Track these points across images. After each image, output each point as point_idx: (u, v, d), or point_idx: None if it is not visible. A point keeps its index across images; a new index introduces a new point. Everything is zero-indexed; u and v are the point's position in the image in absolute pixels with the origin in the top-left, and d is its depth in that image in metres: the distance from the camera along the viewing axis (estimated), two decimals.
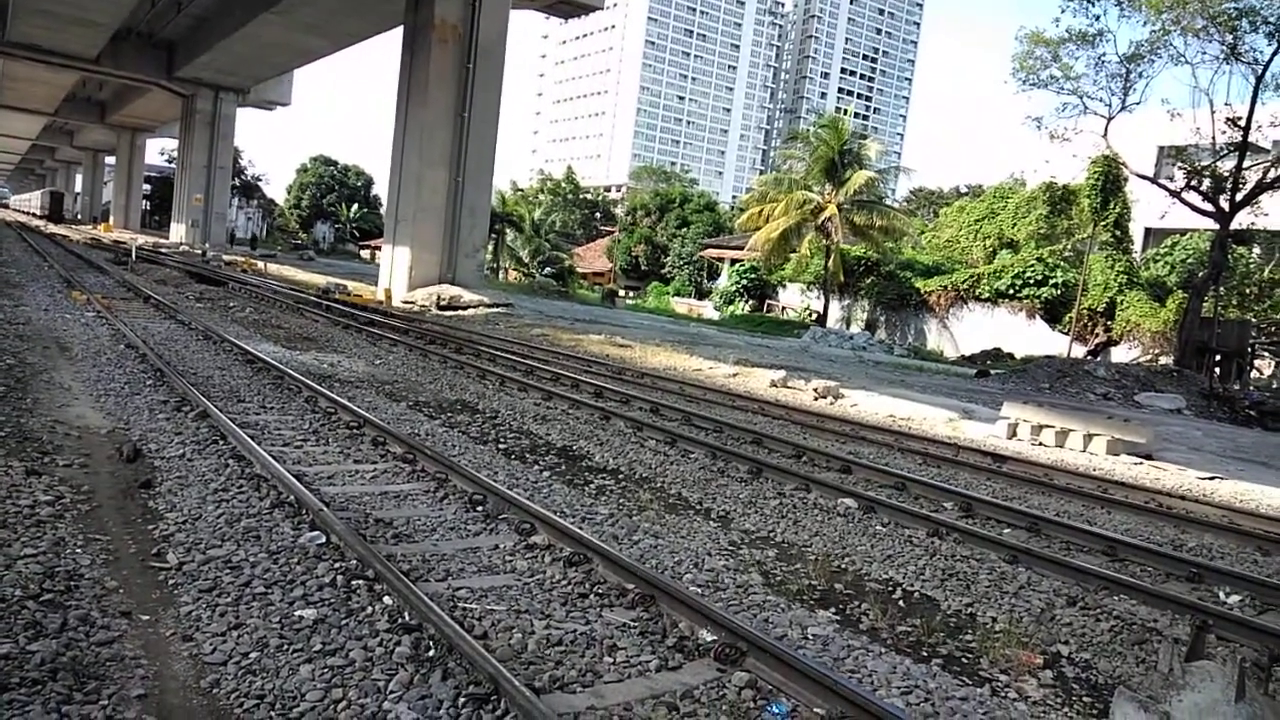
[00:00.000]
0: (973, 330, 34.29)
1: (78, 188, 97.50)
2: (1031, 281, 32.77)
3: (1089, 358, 26.85)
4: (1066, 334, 29.97)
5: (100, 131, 69.93)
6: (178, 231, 51.70)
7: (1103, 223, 30.46)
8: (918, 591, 5.45)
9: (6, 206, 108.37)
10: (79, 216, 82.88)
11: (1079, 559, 6.26)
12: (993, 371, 24.28)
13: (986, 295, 34.02)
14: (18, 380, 8.43)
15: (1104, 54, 24.05)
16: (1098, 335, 30.23)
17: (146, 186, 76.32)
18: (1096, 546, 6.67)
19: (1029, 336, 31.89)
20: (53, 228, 58.57)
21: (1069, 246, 34.89)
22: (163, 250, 38.55)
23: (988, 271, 34.96)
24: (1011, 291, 33.19)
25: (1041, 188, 37.19)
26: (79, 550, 4.48)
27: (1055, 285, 32.20)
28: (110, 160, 79.57)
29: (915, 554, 6.13)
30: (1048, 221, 36.62)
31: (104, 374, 9.42)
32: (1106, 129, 24.34)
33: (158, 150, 78.32)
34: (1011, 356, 29.65)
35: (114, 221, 66.18)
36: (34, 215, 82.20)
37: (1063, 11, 23.58)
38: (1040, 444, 12.02)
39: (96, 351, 10.79)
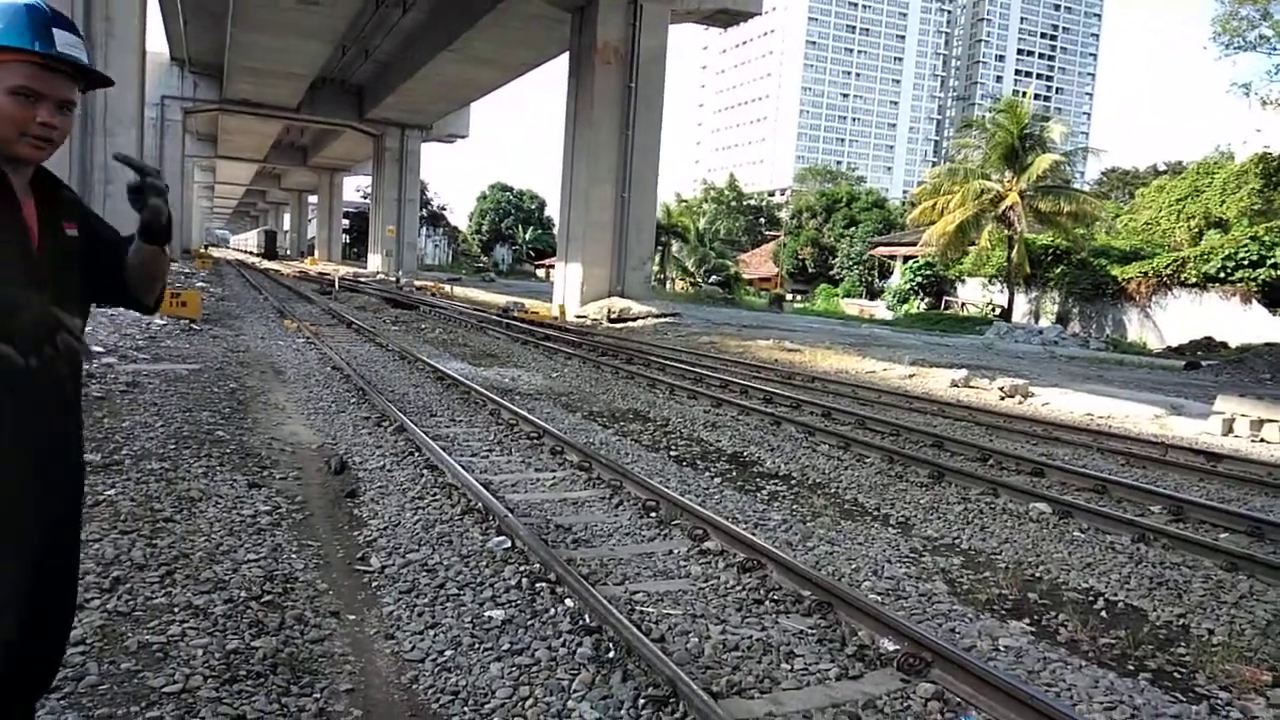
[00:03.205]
0: (1179, 319, 31.45)
1: (286, 226, 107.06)
2: (1246, 263, 29.67)
3: None
4: None
5: (303, 173, 76.72)
6: (374, 261, 55.77)
7: None
8: (1122, 601, 5.06)
9: (227, 246, 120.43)
10: (288, 252, 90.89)
11: None
12: (1204, 363, 22.21)
13: (1194, 280, 31.11)
14: (239, 402, 9.35)
15: None
16: None
17: (345, 221, 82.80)
18: None
19: (1245, 323, 28.87)
20: (266, 263, 64.53)
21: None
22: (361, 279, 41.65)
23: (1194, 254, 31.98)
24: (1223, 275, 30.19)
25: (1253, 160, 33.72)
26: (294, 555, 4.91)
27: (1275, 266, 29.02)
28: (313, 199, 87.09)
29: (1118, 561, 5.70)
30: (1262, 196, 33.11)
31: (313, 394, 10.27)
32: None
33: (354, 188, 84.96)
34: (1225, 346, 26.98)
35: (318, 255, 72.25)
36: (251, 253, 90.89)
37: None
38: (1262, 440, 10.89)
39: (306, 374, 11.78)
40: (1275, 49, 22.28)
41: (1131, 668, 4.18)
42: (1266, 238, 30.13)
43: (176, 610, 3.98)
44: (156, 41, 41.51)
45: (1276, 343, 23.26)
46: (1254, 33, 22.35)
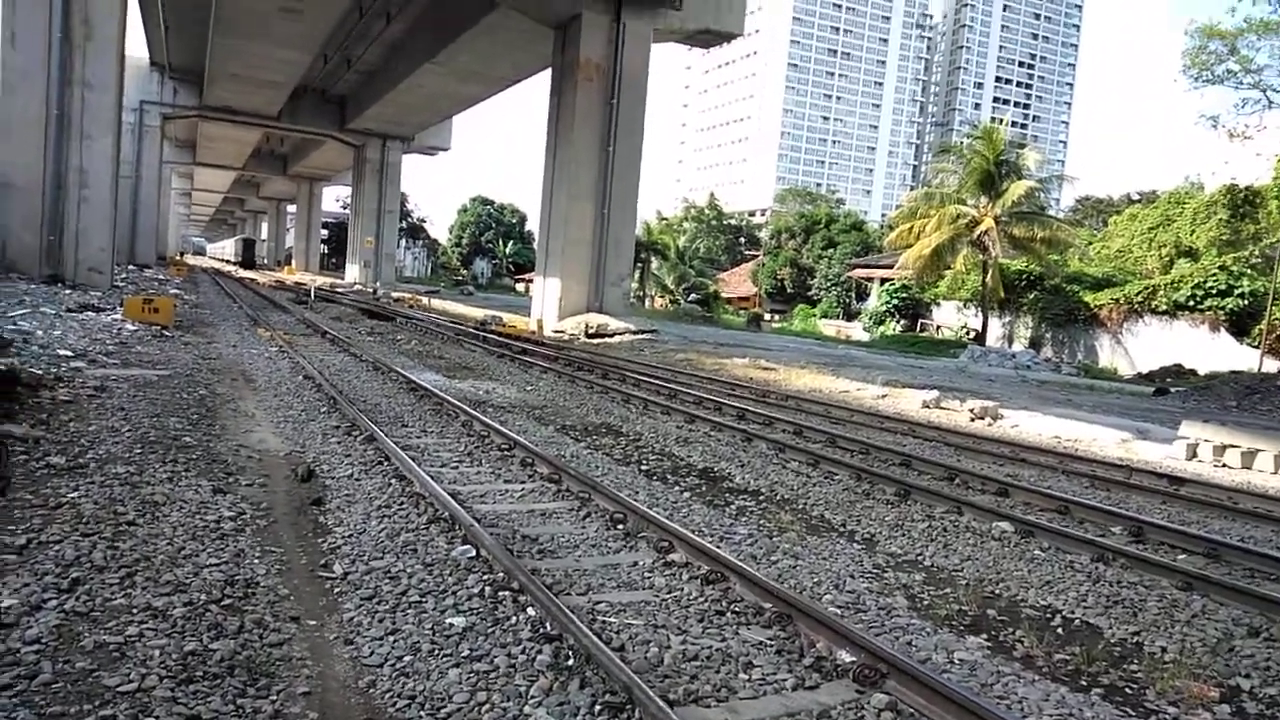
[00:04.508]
0: (1149, 346, 31.93)
1: (263, 235, 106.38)
2: (1214, 292, 30.24)
3: None
4: (1256, 347, 27.45)
5: (282, 182, 76.32)
6: (352, 272, 55.54)
7: None
8: (1078, 619, 5.14)
9: (204, 254, 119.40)
10: (265, 261, 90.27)
11: (1265, 587, 5.73)
12: (1172, 389, 22.53)
13: (1164, 308, 31.64)
14: (208, 409, 9.29)
15: None
16: None
17: (324, 231, 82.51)
18: None
19: (1213, 351, 29.37)
20: (243, 272, 64.04)
21: (1256, 253, 32.01)
22: (338, 290, 41.48)
23: (1164, 282, 32.53)
24: (1192, 303, 30.73)
25: (1222, 190, 34.39)
26: (256, 561, 4.89)
27: (1241, 295, 29.58)
28: (291, 208, 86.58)
29: (1077, 580, 5.79)
30: (1230, 226, 33.76)
31: (284, 402, 10.22)
32: None
33: (333, 198, 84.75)
34: (1194, 373, 27.40)
35: (295, 265, 71.85)
36: (228, 262, 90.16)
37: (1239, 0, 21.93)
38: (1224, 465, 11.08)
39: (277, 382, 11.72)
40: (1242, 83, 22.79)
41: (1084, 683, 4.26)
42: (1234, 267, 30.72)
43: (135, 611, 3.97)
44: (136, 46, 41.31)
45: (1242, 370, 23.67)
46: (1221, 67, 22.90)
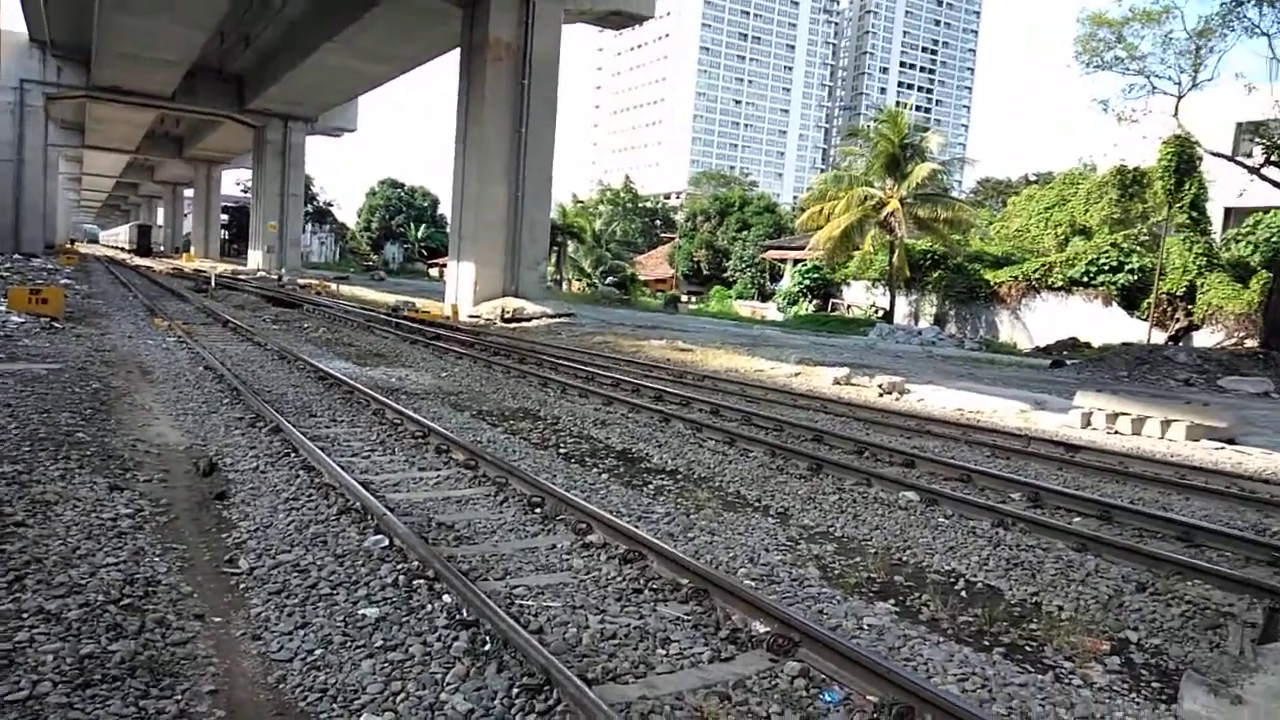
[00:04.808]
0: (1047, 321, 33.34)
1: (160, 220, 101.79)
2: (1106, 268, 31.73)
3: (1169, 344, 25.87)
4: (1145, 320, 28.94)
5: (179, 166, 73.07)
6: (255, 258, 53.65)
7: (1178, 205, 29.27)
8: (981, 582, 5.36)
9: (97, 242, 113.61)
10: (162, 248, 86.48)
11: (1151, 545, 6.07)
12: (1068, 362, 23.60)
13: (1060, 284, 33.07)
14: (102, 403, 8.87)
15: (1171, 31, 23.37)
16: (1178, 320, 29.09)
17: (224, 216, 79.38)
18: (1171, 533, 6.46)
19: (1106, 325, 30.86)
20: (139, 260, 61.23)
21: (1144, 231, 33.68)
22: (241, 277, 40.03)
23: (1060, 260, 33.97)
24: (1086, 279, 32.20)
25: (1112, 172, 35.95)
26: (157, 559, 4.71)
27: (1131, 271, 31.12)
28: (189, 193, 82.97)
29: (979, 545, 6.02)
30: (1120, 206, 35.39)
31: (183, 395, 9.84)
32: (1177, 108, 23.57)
33: (233, 181, 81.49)
34: (1088, 346, 28.74)
35: (194, 251, 69.01)
36: (123, 249, 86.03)
37: None
38: (1116, 432, 11.66)
39: (176, 374, 11.27)
40: (1128, 69, 23.84)
41: (986, 643, 4.44)
42: (1124, 245, 32.27)
43: (25, 616, 3.78)
44: (12, 20, 38.87)
45: (1133, 343, 24.92)
46: (1110, 53, 23.87)
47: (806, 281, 43.28)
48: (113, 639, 3.67)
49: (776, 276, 49.51)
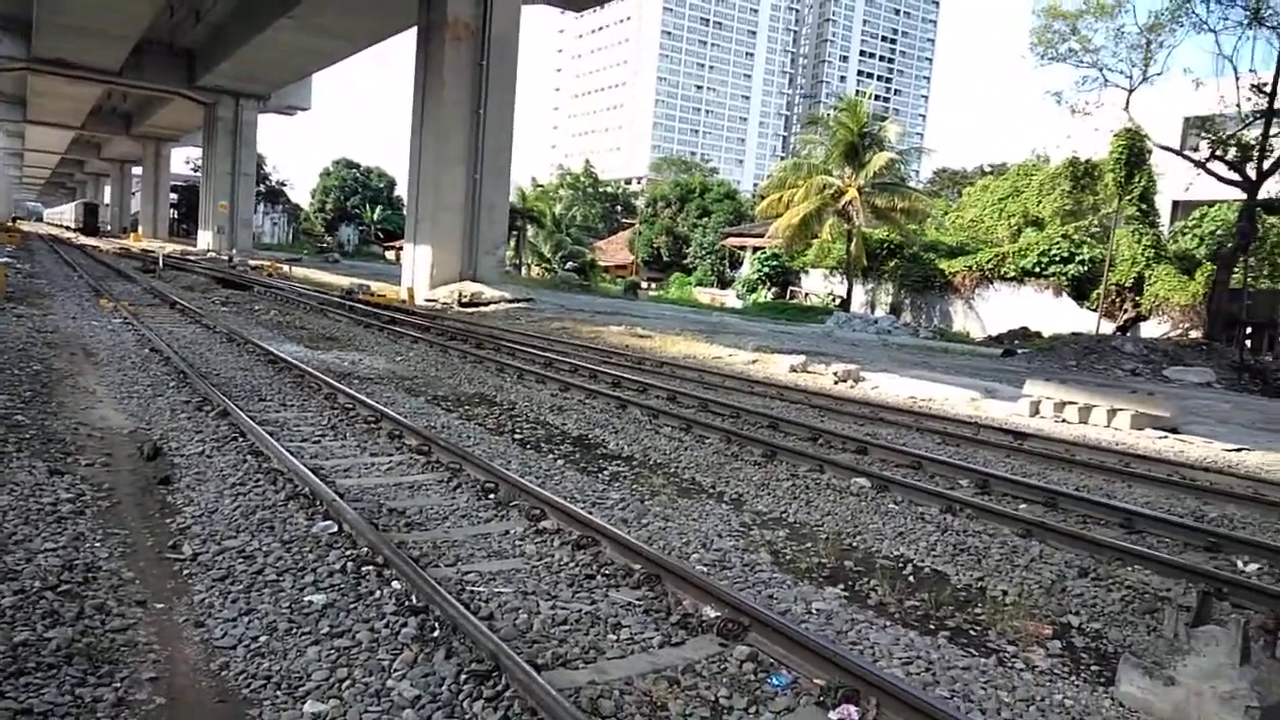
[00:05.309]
0: (999, 310, 33.91)
1: (106, 199, 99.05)
2: (1058, 259, 32.34)
3: (1117, 334, 26.48)
4: (1095, 311, 29.56)
5: (126, 143, 71.08)
6: (205, 239, 52.47)
7: (1128, 197, 29.91)
8: (928, 567, 5.45)
9: (41, 220, 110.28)
10: (109, 227, 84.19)
11: (1094, 531, 6.22)
12: (1019, 351, 24.04)
13: (1012, 274, 33.63)
14: (44, 385, 8.64)
15: (1123, 25, 23.79)
16: (1126, 311, 29.77)
17: (173, 196, 77.41)
18: (1114, 519, 6.62)
19: (1056, 315, 31.47)
20: (84, 239, 59.56)
21: (1095, 222, 34.33)
22: (190, 257, 39.16)
23: (1013, 250, 34.53)
24: (1038, 270, 32.78)
25: (1064, 164, 36.57)
26: (97, 544, 4.60)
27: (1082, 262, 31.74)
28: (137, 171, 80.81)
29: (927, 531, 6.12)
30: (1072, 198, 36.04)
31: (128, 377, 9.61)
32: (1128, 101, 24.02)
33: (183, 159, 79.37)
34: (1039, 335, 29.31)
35: (142, 231, 67.27)
36: (68, 228, 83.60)
37: None
38: (1063, 421, 11.91)
39: (121, 356, 11.00)
40: (1082, 62, 24.26)
41: (932, 627, 4.52)
42: (1075, 236, 32.89)
43: None
44: None
45: (1082, 333, 25.46)
46: (1064, 45, 24.27)
47: (766, 269, 43.50)
48: (49, 626, 3.58)
49: (736, 264, 49.70)
